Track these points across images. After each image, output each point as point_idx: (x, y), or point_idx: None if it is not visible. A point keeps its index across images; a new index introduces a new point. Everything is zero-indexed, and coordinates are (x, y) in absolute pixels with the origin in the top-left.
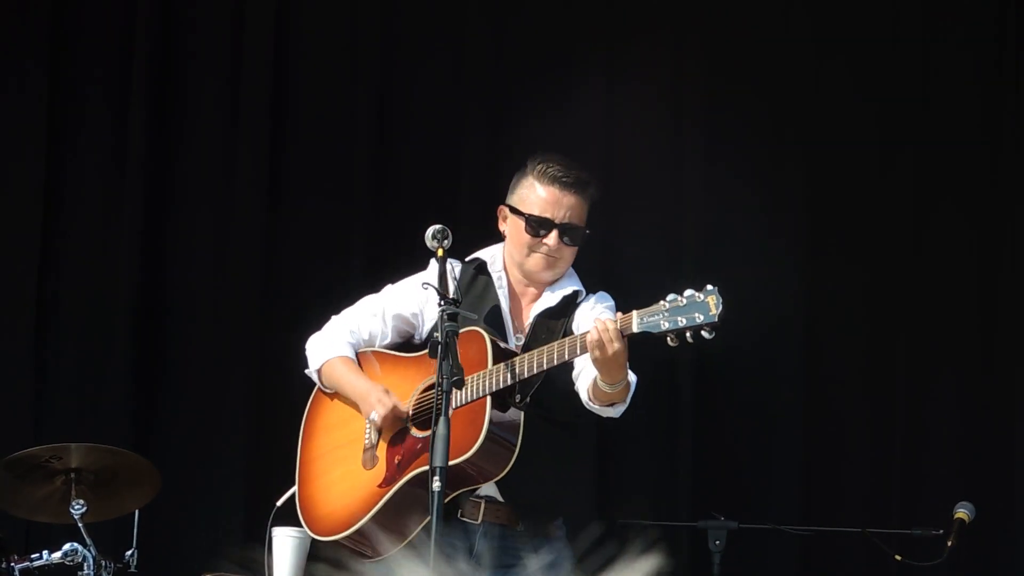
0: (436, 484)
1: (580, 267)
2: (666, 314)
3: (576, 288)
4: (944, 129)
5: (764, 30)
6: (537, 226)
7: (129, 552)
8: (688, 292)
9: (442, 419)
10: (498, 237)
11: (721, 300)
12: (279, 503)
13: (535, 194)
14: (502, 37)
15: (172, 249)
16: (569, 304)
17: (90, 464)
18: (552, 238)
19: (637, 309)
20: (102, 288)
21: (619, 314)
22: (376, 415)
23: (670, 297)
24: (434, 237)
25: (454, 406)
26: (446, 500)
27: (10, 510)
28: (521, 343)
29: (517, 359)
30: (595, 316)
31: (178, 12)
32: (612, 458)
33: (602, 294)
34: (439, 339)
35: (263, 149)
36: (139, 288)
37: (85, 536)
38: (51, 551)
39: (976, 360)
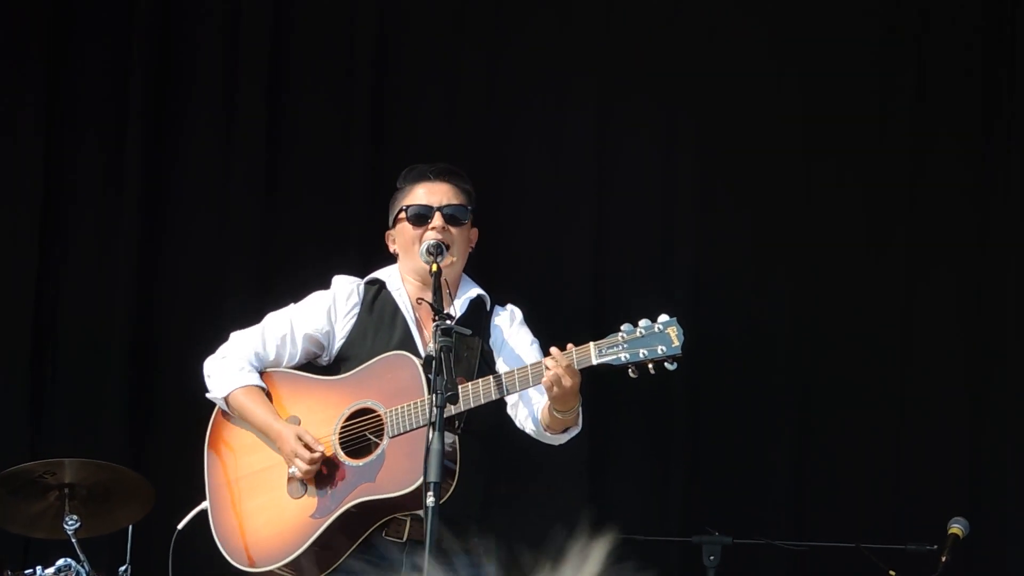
0: (430, 499)
1: (568, 297)
2: (625, 346)
3: (479, 292)
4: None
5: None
6: (419, 215)
7: (123, 568)
8: (644, 323)
9: (435, 433)
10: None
11: (682, 331)
12: (180, 526)
13: (408, 195)
14: (497, 67)
15: (168, 265)
16: (479, 310)
17: (83, 479)
18: (436, 220)
19: (593, 341)
20: (99, 304)
21: (571, 346)
22: (298, 470)
23: (626, 328)
24: (429, 252)
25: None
26: (372, 528)
27: (6, 526)
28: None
29: (471, 386)
30: (519, 335)
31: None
32: (605, 473)
33: (514, 308)
34: (433, 353)
35: (259, 172)
36: (135, 304)
37: (79, 551)
38: (44, 566)
39: (970, 377)
